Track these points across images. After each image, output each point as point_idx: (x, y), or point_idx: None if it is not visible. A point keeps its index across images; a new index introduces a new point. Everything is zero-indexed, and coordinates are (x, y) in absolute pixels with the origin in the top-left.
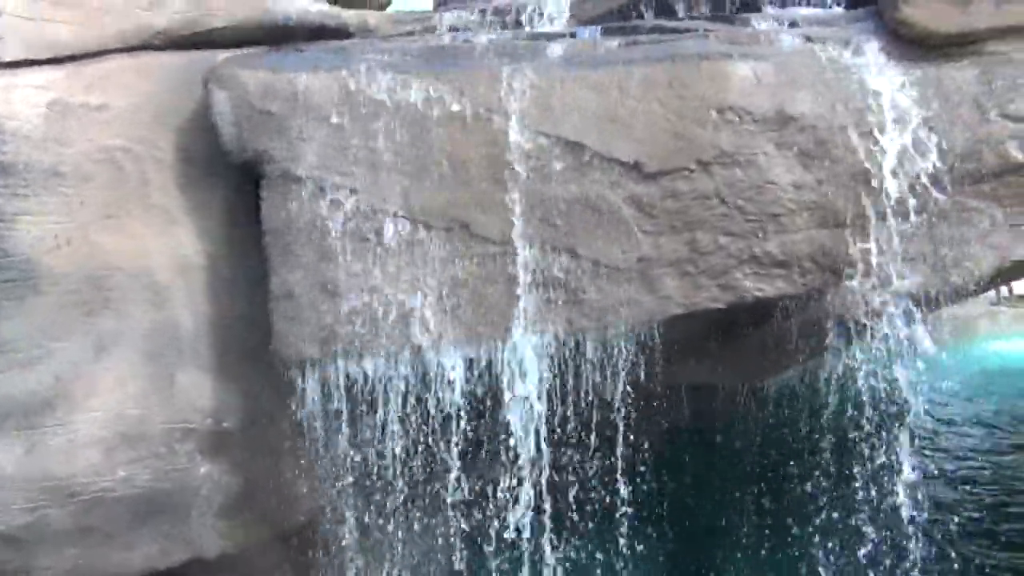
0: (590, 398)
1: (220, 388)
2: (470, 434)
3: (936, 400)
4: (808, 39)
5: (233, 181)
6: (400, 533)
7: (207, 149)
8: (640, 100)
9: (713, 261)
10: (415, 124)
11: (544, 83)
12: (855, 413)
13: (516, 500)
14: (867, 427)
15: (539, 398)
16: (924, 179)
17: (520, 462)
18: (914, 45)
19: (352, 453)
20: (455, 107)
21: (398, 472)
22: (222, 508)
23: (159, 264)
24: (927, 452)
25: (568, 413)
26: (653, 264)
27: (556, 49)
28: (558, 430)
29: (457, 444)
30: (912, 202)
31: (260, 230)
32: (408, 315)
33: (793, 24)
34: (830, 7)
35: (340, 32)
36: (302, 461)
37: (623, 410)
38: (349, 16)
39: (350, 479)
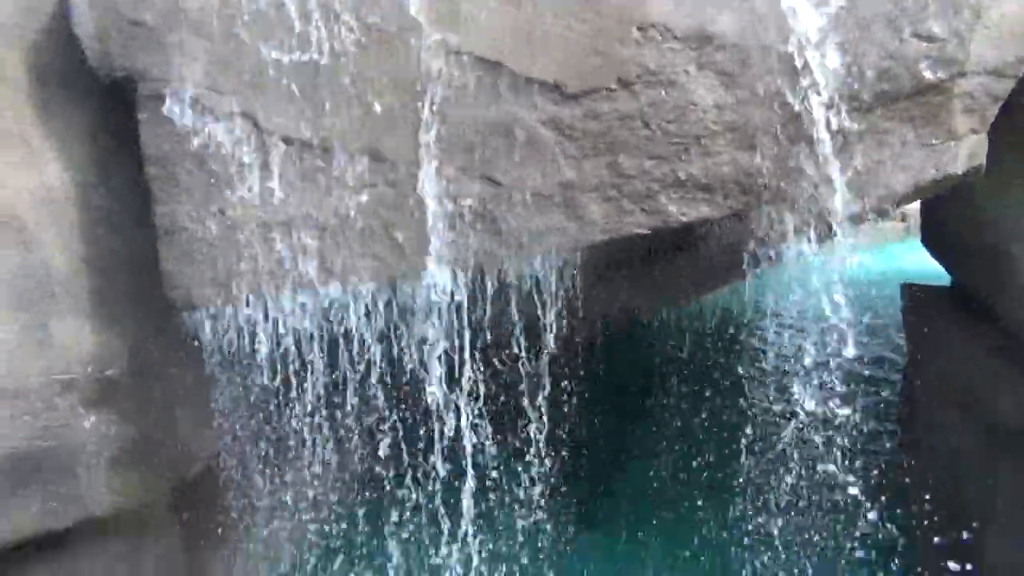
0: (513, 330)
1: (102, 335)
2: (383, 373)
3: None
4: None
5: (99, 102)
6: (303, 483)
7: (66, 68)
8: (557, 16)
9: (637, 185)
10: (314, 40)
11: None
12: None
13: (432, 442)
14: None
15: (455, 333)
16: (840, 100)
17: (438, 402)
18: None
19: (253, 401)
20: (358, 22)
21: (304, 421)
22: (112, 462)
23: (21, 199)
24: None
25: (487, 347)
26: (576, 189)
27: None
28: (477, 366)
29: (370, 384)
30: (829, 123)
31: (135, 157)
32: (314, 249)
33: None
34: None
35: None
36: (198, 410)
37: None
38: None
39: (250, 429)
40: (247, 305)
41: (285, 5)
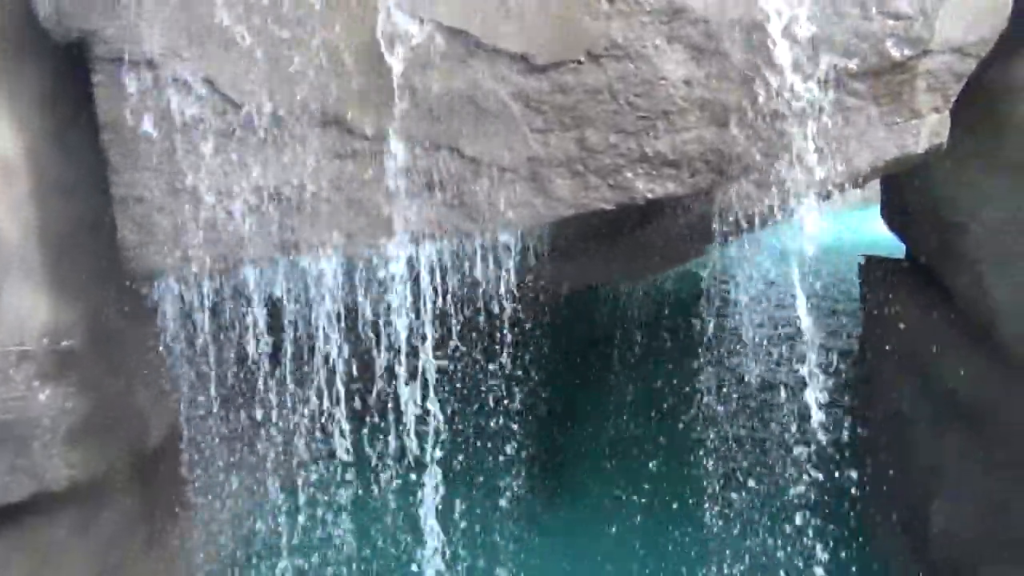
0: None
1: (58, 305)
2: (346, 346)
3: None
4: None
5: (56, 65)
6: (261, 454)
7: (18, 28)
8: None
9: (604, 160)
10: (277, 4)
11: None
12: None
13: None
14: None
15: (419, 307)
16: (807, 76)
17: (401, 376)
18: None
19: (213, 372)
20: None
21: (266, 389)
22: (69, 435)
23: None
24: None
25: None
26: (543, 164)
27: None
28: (440, 338)
29: (333, 359)
30: (796, 100)
31: (93, 122)
32: (276, 220)
33: None
34: None
35: None
36: (156, 381)
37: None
38: None
39: (210, 399)
40: (206, 276)
41: None
